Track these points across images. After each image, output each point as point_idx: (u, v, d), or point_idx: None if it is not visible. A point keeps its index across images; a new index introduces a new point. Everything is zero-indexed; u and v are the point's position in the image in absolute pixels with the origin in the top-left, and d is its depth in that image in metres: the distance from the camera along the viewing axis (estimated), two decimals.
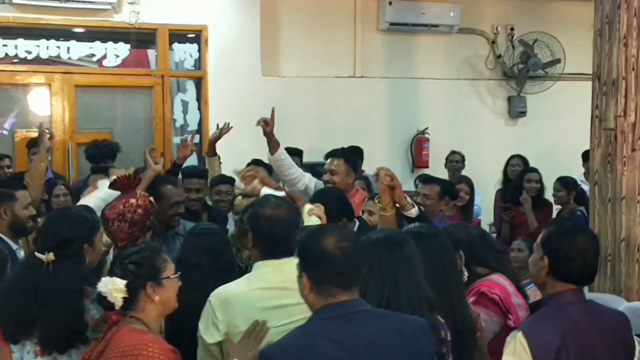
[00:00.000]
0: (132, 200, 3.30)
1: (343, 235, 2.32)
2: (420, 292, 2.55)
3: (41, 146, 4.97)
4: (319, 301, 2.28)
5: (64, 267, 2.68)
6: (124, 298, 2.45)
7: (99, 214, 3.26)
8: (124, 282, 2.44)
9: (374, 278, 2.50)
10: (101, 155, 6.22)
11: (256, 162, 6.27)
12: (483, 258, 3.41)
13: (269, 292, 2.72)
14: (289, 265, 2.85)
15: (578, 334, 2.59)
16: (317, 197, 4.11)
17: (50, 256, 2.68)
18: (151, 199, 3.47)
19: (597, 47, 4.58)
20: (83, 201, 3.65)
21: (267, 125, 5.18)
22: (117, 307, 2.45)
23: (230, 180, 5.69)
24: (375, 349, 2.22)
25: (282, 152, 5.25)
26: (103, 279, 2.48)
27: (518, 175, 6.65)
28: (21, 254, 4.07)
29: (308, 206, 3.48)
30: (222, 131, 5.84)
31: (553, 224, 2.86)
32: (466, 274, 3.24)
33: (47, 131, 5.09)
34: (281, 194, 3.91)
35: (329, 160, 5.18)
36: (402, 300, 2.49)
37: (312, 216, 3.42)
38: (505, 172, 7.20)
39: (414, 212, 3.76)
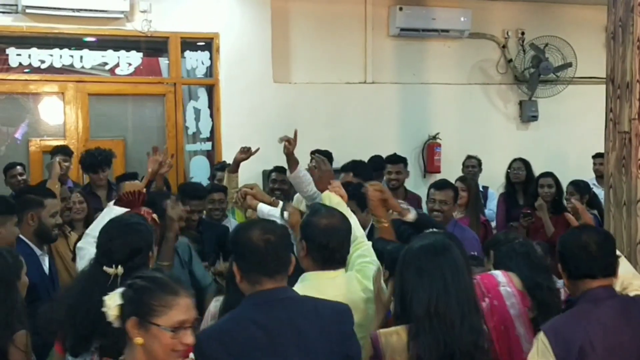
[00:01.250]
0: None
1: (268, 228, 2.54)
2: (469, 296, 2.59)
3: (52, 172, 5.40)
4: (248, 288, 2.51)
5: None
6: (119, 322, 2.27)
7: None
8: (118, 301, 2.27)
9: (422, 284, 2.53)
10: (98, 163, 6.26)
11: (278, 170, 6.29)
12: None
13: None
14: (345, 279, 2.93)
15: (605, 332, 2.60)
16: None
17: (120, 270, 2.62)
18: (154, 215, 3.48)
19: (611, 50, 4.57)
20: (98, 220, 3.62)
21: (289, 144, 5.08)
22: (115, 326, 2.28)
23: (223, 189, 5.75)
24: (296, 331, 2.43)
25: (300, 170, 5.15)
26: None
27: (535, 181, 6.62)
28: (45, 260, 4.15)
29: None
30: (250, 153, 5.87)
31: (570, 231, 2.94)
32: None
33: (58, 159, 5.58)
34: (276, 209, 4.02)
35: (341, 175, 5.26)
36: (452, 304, 2.51)
37: (332, 193, 3.49)
38: (507, 175, 7.17)
39: (411, 216, 3.83)
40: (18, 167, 6.49)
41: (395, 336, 2.55)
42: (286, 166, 5.06)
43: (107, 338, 2.44)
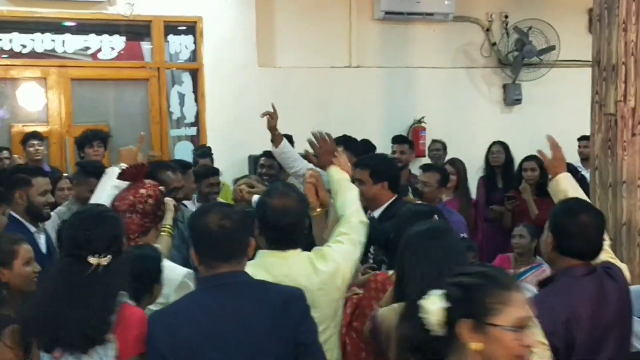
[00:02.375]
0: (142, 191, 3.24)
1: (225, 213, 2.52)
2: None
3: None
4: (204, 272, 2.51)
5: (113, 266, 2.58)
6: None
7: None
8: (441, 304, 2.05)
9: (419, 267, 2.58)
10: (92, 136, 6.21)
11: (267, 155, 6.28)
12: None
13: None
14: (296, 259, 2.89)
15: (587, 305, 2.71)
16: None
17: (106, 259, 2.56)
18: (161, 188, 3.41)
19: (597, 32, 4.60)
20: (99, 189, 3.64)
21: (272, 118, 5.19)
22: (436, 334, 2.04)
23: (218, 172, 5.75)
24: (241, 316, 2.40)
25: (285, 145, 5.26)
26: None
27: (519, 164, 6.64)
28: (42, 238, 4.15)
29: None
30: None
31: (559, 203, 3.03)
32: None
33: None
34: None
35: None
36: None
37: (337, 168, 3.47)
38: (486, 159, 7.19)
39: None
40: (4, 151, 6.46)
41: (393, 313, 2.61)
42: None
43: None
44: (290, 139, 5.80)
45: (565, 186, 3.47)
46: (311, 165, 5.38)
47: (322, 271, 2.98)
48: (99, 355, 2.52)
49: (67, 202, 4.93)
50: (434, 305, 2.03)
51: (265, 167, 6.18)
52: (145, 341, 2.48)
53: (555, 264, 2.91)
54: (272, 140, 5.26)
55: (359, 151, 5.28)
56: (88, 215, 2.70)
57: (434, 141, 7.85)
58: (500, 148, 7.09)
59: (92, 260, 2.56)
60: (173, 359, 2.36)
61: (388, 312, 2.66)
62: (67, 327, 2.49)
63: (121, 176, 3.40)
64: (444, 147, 7.75)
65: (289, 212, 2.89)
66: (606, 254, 3.06)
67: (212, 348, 2.37)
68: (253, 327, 2.41)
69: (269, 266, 2.83)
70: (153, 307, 2.88)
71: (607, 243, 3.07)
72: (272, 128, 5.24)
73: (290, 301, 2.51)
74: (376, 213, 4.14)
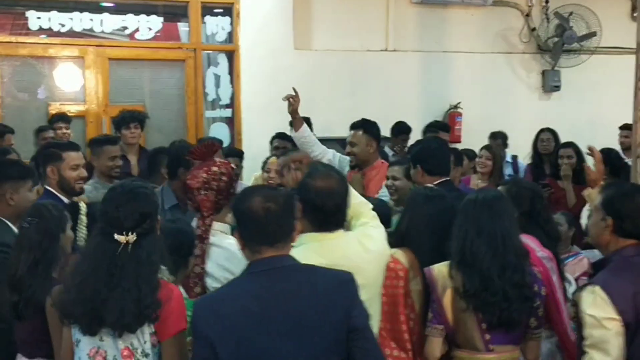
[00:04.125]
0: (215, 168, 3.22)
1: (269, 195, 2.47)
2: (506, 241, 3.04)
3: None
4: (249, 257, 2.47)
5: (145, 244, 2.56)
6: None
7: None
8: None
9: (459, 229, 3.09)
10: (129, 117, 6.17)
11: (280, 136, 6.32)
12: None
13: None
14: (345, 240, 2.86)
15: None
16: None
17: (132, 237, 2.53)
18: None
19: None
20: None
21: (293, 102, 5.16)
22: None
23: (238, 154, 5.72)
24: (291, 302, 2.36)
25: (305, 130, 5.23)
26: None
27: (554, 151, 6.52)
28: None
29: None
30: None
31: (610, 188, 3.12)
32: None
33: None
34: None
35: (350, 133, 5.19)
36: (482, 246, 3.02)
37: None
38: (535, 146, 7.07)
39: None
40: (50, 130, 6.46)
41: (445, 268, 3.10)
42: None
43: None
44: (308, 121, 5.73)
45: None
46: (332, 151, 5.36)
47: (372, 250, 3.00)
48: (139, 334, 2.53)
49: (92, 179, 4.90)
50: None
51: (280, 148, 6.16)
52: (188, 320, 2.49)
53: (610, 247, 3.02)
54: (292, 124, 5.23)
55: (377, 134, 5.22)
56: (119, 191, 2.66)
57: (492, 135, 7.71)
58: (550, 135, 6.95)
59: (120, 238, 2.54)
60: (220, 345, 2.33)
61: (441, 267, 3.10)
62: (109, 308, 2.47)
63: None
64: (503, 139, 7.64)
65: (333, 193, 2.85)
66: None
67: (260, 334, 2.33)
68: (303, 312, 2.37)
69: (321, 250, 2.80)
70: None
71: None
72: (293, 112, 5.21)
73: (341, 285, 2.47)
74: None
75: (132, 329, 2.50)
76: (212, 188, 3.19)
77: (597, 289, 2.79)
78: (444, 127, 7.31)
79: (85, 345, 2.59)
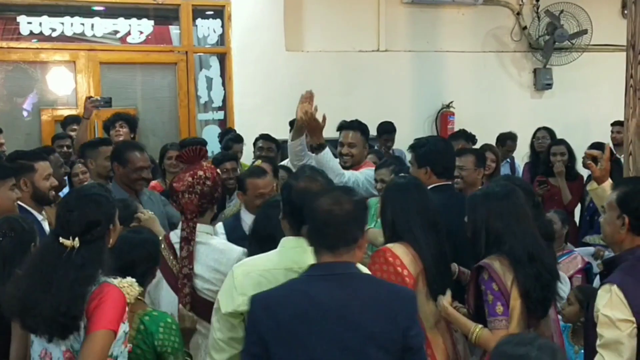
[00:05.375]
0: (200, 173, 3.25)
1: (338, 198, 2.40)
2: (526, 236, 3.15)
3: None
4: (314, 259, 2.44)
5: (86, 251, 2.53)
6: None
7: None
8: None
9: (507, 227, 3.15)
10: (112, 119, 6.23)
11: (264, 137, 6.30)
12: None
13: (295, 276, 2.58)
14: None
15: None
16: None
17: (76, 242, 2.51)
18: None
19: (632, 15, 4.47)
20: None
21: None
22: None
23: (234, 158, 5.71)
24: (349, 311, 2.32)
25: (303, 140, 4.89)
26: None
27: (546, 149, 6.54)
28: (46, 225, 4.08)
29: None
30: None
31: (625, 185, 3.07)
32: None
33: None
34: None
35: (344, 133, 5.05)
36: (540, 243, 3.18)
37: None
38: (532, 145, 7.09)
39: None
40: (67, 139, 6.29)
41: (497, 262, 3.13)
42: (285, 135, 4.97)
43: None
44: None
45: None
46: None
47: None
48: (74, 337, 2.51)
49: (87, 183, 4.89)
50: None
51: (264, 149, 6.15)
52: (120, 321, 2.48)
53: (624, 245, 2.98)
54: (294, 131, 4.73)
55: (368, 135, 5.19)
56: (75, 195, 2.67)
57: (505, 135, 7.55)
58: (545, 134, 6.97)
59: (64, 241, 2.52)
60: (273, 343, 2.32)
61: (494, 261, 3.13)
62: (39, 312, 2.47)
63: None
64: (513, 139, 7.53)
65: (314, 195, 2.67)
66: None
67: (313, 336, 2.31)
68: (360, 324, 2.32)
69: (297, 256, 2.64)
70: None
71: None
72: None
73: (403, 301, 2.42)
74: None
75: (59, 335, 2.49)
76: (196, 192, 3.21)
77: (615, 288, 2.75)
78: (471, 138, 6.52)
79: (37, 347, 2.62)
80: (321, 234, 2.39)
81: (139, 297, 2.72)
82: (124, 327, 2.54)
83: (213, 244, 3.23)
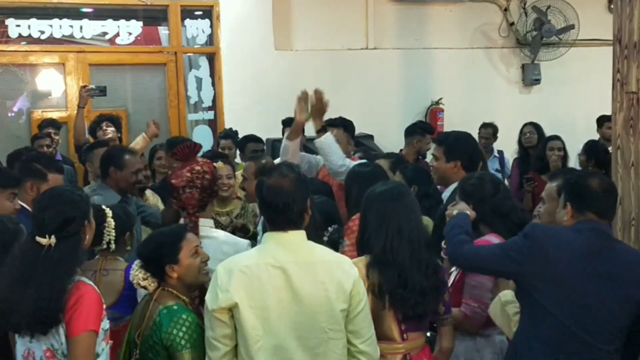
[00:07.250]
0: (197, 167, 3.29)
1: (605, 179, 3.10)
2: (420, 236, 3.03)
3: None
4: (572, 221, 2.98)
5: (63, 248, 2.58)
6: None
7: None
8: None
9: (380, 227, 3.00)
10: (97, 120, 6.24)
11: (225, 136, 6.34)
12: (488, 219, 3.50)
13: (277, 271, 2.64)
14: (304, 245, 2.78)
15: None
16: None
17: (52, 240, 2.56)
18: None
19: (618, 9, 4.50)
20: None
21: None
22: None
23: (226, 157, 5.70)
24: (610, 263, 2.84)
25: (327, 136, 4.94)
26: None
27: (541, 144, 6.52)
28: None
29: None
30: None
31: (561, 176, 3.31)
32: None
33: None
34: None
35: (328, 130, 4.99)
36: (404, 244, 2.97)
37: None
38: (519, 140, 7.10)
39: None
40: (47, 138, 6.29)
41: (361, 264, 2.97)
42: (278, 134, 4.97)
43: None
44: (289, 122, 5.60)
45: None
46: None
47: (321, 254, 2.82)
48: (52, 335, 2.55)
49: (90, 185, 4.89)
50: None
51: (226, 148, 6.18)
52: (99, 319, 2.55)
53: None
54: (291, 130, 4.86)
55: (353, 132, 5.35)
56: (48, 195, 2.72)
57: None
58: (532, 129, 6.93)
59: (40, 240, 2.57)
60: (543, 282, 2.84)
61: (358, 263, 2.95)
62: (19, 310, 2.50)
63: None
64: (494, 132, 7.50)
65: (282, 191, 2.71)
66: None
67: (585, 287, 2.80)
68: (619, 274, 2.82)
69: (277, 251, 2.69)
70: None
71: None
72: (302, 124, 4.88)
73: None
74: (446, 192, 4.13)
75: (40, 330, 2.53)
76: (197, 186, 3.26)
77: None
78: (429, 129, 6.88)
79: (20, 347, 2.66)
80: (600, 206, 2.95)
81: (168, 290, 2.83)
82: (103, 325, 2.60)
83: (218, 237, 3.30)
